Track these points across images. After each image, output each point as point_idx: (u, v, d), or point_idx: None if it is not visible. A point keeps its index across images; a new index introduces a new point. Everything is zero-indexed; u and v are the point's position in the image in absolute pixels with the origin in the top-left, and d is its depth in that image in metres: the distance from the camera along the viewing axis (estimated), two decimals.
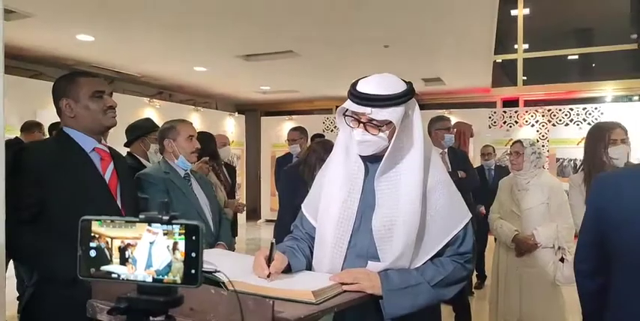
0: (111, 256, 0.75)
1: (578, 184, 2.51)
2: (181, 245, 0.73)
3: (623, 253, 1.23)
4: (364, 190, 1.38)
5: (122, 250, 0.75)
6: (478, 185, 3.88)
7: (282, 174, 3.44)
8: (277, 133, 9.97)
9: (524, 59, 9.12)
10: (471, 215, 1.41)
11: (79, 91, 1.72)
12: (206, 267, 1.14)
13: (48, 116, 4.16)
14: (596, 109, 7.74)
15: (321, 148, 2.97)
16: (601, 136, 2.44)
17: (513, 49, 9.17)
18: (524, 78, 9.24)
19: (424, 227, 1.33)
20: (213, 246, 2.29)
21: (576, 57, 9.53)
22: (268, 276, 1.18)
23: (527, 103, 9.13)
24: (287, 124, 9.83)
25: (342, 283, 1.21)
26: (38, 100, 5.25)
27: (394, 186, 1.33)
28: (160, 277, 0.73)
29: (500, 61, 9.34)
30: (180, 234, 0.73)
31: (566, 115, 7.93)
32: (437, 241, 1.35)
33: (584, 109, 7.83)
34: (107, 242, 0.75)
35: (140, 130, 3.17)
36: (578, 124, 7.74)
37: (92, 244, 0.75)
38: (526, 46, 9.14)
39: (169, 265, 0.73)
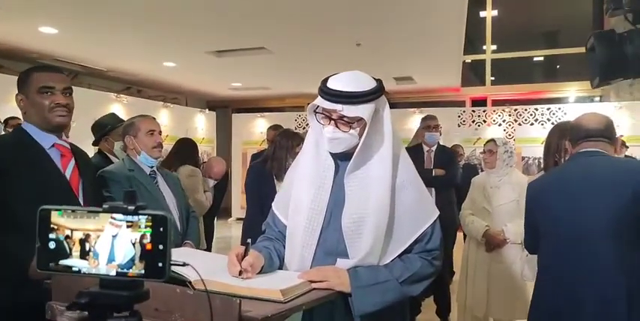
0: (71, 250, 0.72)
1: None
2: (148, 237, 0.70)
3: (543, 234, 1.88)
4: (334, 187, 1.38)
5: (83, 243, 0.71)
6: (458, 185, 3.98)
7: (249, 170, 3.42)
8: (249, 130, 9.89)
9: (493, 60, 9.31)
10: (438, 212, 1.42)
11: (29, 86, 1.67)
12: (174, 261, 1.12)
13: (10, 111, 4.02)
14: (559, 109, 7.98)
15: (285, 139, 2.96)
16: (563, 139, 2.40)
17: (482, 49, 9.35)
18: (493, 78, 9.44)
19: (393, 224, 1.34)
20: (180, 245, 2.25)
21: (542, 58, 9.79)
22: (240, 273, 1.17)
23: (495, 103, 9.33)
24: (258, 122, 9.76)
25: (311, 281, 1.21)
26: None
27: (364, 183, 1.34)
28: (124, 270, 0.71)
29: (470, 61, 9.51)
30: (146, 226, 0.70)
31: (531, 114, 8.14)
32: (405, 238, 1.36)
33: (548, 109, 8.06)
34: (67, 234, 0.72)
35: (104, 128, 3.08)
36: (542, 124, 7.96)
37: (51, 236, 0.72)
38: (494, 46, 9.33)
39: (132, 259, 0.70)
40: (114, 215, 0.71)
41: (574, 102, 9.15)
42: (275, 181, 2.93)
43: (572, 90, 9.07)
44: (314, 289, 1.19)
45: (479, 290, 2.95)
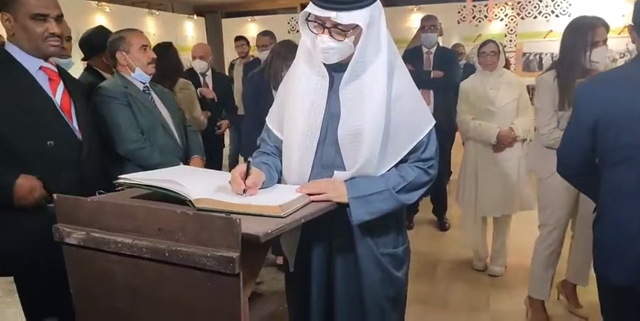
0: None
1: (550, 84, 2.28)
2: None
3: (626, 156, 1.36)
4: (329, 100, 1.35)
5: None
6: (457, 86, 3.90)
7: (245, 81, 3.33)
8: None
9: None
10: (434, 122, 1.41)
11: (19, 9, 1.53)
12: (174, 188, 1.15)
13: None
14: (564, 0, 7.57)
15: (286, 49, 2.84)
16: (582, 36, 2.17)
17: None
18: None
19: (388, 135, 1.33)
20: (184, 161, 2.26)
21: None
22: (244, 191, 1.19)
23: None
24: (250, 26, 9.33)
25: (310, 194, 1.24)
26: None
27: (359, 95, 1.31)
28: None
29: None
30: None
31: (535, 7, 7.75)
32: (401, 149, 1.37)
33: (552, 0, 7.64)
34: None
35: (100, 45, 2.86)
36: (546, 17, 7.60)
37: None
38: None
39: None
40: None
41: None
42: (273, 91, 2.87)
43: None
44: (312, 201, 1.23)
45: (487, 190, 3.02)
